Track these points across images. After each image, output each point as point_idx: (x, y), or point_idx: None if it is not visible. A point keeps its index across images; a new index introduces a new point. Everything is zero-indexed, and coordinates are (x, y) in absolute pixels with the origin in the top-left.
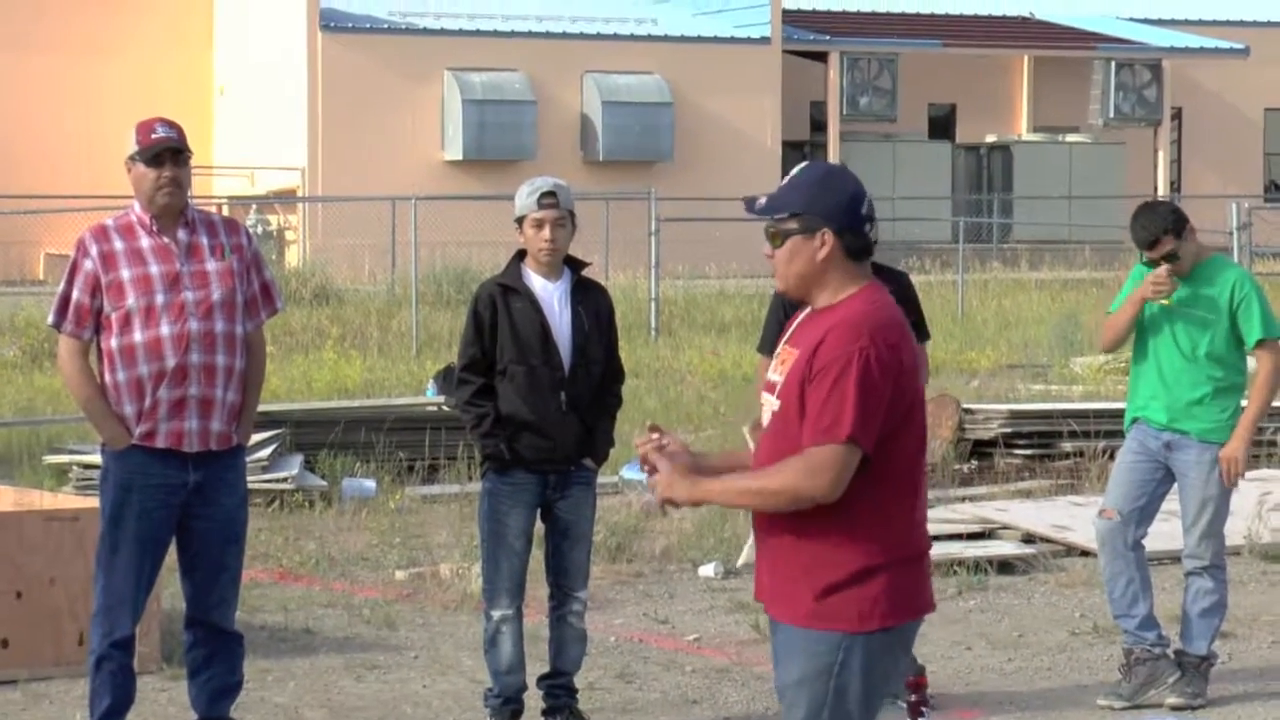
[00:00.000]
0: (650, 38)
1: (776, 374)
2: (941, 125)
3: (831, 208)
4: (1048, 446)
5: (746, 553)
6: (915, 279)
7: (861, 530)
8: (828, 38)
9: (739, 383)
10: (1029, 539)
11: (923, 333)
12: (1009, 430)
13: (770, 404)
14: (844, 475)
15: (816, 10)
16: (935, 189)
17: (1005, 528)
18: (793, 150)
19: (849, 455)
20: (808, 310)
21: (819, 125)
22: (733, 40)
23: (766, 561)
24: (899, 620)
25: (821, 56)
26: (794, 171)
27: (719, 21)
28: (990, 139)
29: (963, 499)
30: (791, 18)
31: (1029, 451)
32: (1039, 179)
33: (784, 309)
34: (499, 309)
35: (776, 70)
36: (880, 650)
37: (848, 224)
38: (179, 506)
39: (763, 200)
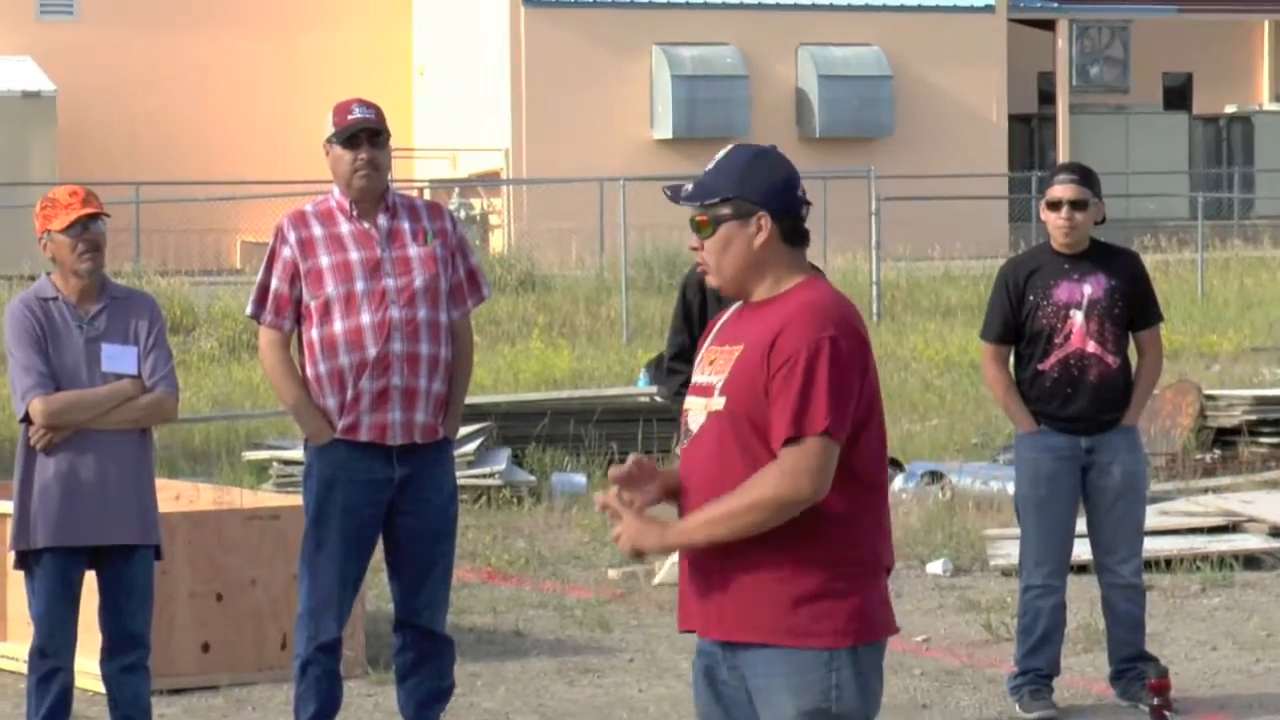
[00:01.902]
0: (868, 7)
1: (708, 375)
2: (1177, 95)
3: (766, 190)
4: None
5: (666, 570)
6: (1150, 258)
7: (835, 534)
8: (1056, 5)
9: (966, 369)
10: (1276, 532)
11: (1155, 315)
12: (1254, 417)
13: (705, 406)
14: (827, 471)
15: None
16: (1171, 163)
17: (1251, 520)
18: (1020, 124)
19: (828, 448)
20: (738, 305)
21: (1047, 97)
22: (956, 9)
23: (716, 577)
24: (878, 636)
25: (1049, 25)
26: (719, 155)
27: None
28: (1230, 109)
29: (1205, 490)
30: None
31: (1275, 440)
32: None
33: (1007, 291)
34: (709, 294)
35: (1002, 40)
36: (870, 668)
37: (784, 207)
38: (385, 503)
39: (689, 186)
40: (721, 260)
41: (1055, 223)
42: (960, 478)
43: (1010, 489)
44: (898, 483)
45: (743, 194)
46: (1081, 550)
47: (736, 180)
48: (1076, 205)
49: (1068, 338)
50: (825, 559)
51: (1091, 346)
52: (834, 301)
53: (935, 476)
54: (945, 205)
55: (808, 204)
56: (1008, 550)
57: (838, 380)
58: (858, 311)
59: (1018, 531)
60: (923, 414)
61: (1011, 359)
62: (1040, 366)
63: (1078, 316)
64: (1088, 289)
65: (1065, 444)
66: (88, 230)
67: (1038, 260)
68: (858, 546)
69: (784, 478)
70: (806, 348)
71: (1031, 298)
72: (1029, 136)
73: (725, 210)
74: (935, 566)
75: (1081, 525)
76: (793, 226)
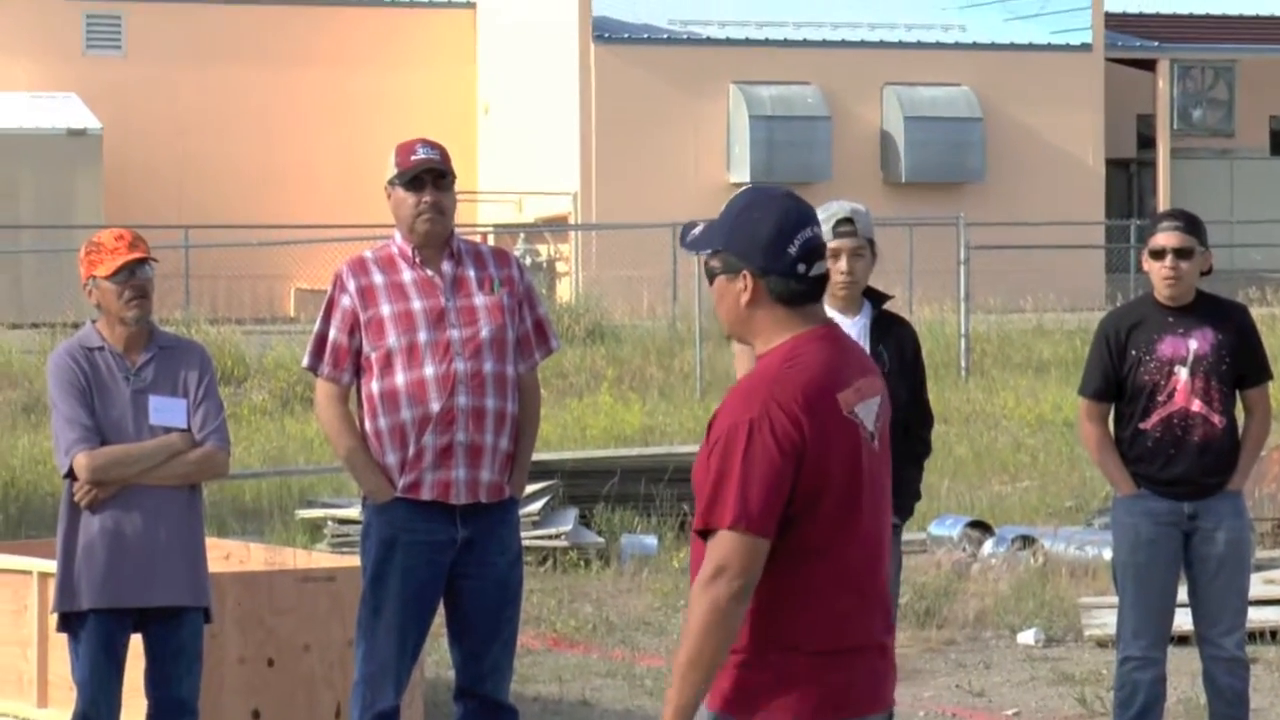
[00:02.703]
0: (958, 46)
1: None
2: None
3: (748, 246)
4: None
5: None
6: (1256, 312)
7: (765, 618)
8: (1156, 44)
9: (1060, 428)
10: None
11: (1264, 372)
12: None
13: None
14: (749, 568)
15: (1143, 14)
16: (1279, 210)
17: None
18: (1117, 169)
19: (742, 543)
20: None
21: (1146, 141)
22: (1050, 47)
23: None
24: (824, 716)
25: (1149, 65)
26: (731, 198)
27: (1034, 27)
28: None
29: None
30: (1115, 22)
31: None
32: None
33: (1107, 345)
34: None
35: (1099, 80)
36: None
37: (770, 266)
38: (447, 565)
39: (696, 230)
40: (719, 311)
41: (1160, 273)
42: (1053, 543)
43: (1106, 555)
44: (987, 547)
45: (729, 248)
46: (1182, 620)
47: (726, 231)
48: (1182, 254)
49: (1171, 395)
50: (754, 645)
51: (1196, 405)
52: (782, 374)
53: (1027, 541)
54: (1038, 254)
55: (809, 261)
56: (1103, 620)
57: (750, 468)
58: (822, 384)
59: (1114, 600)
60: (1013, 475)
61: (1111, 417)
62: (1142, 426)
63: (1182, 373)
64: (1193, 344)
65: (1167, 509)
66: (134, 276)
67: (1141, 313)
68: (798, 632)
69: (704, 584)
70: (725, 432)
71: (1134, 352)
72: (1127, 182)
73: (715, 263)
74: (1026, 636)
75: (1182, 594)
76: (783, 286)
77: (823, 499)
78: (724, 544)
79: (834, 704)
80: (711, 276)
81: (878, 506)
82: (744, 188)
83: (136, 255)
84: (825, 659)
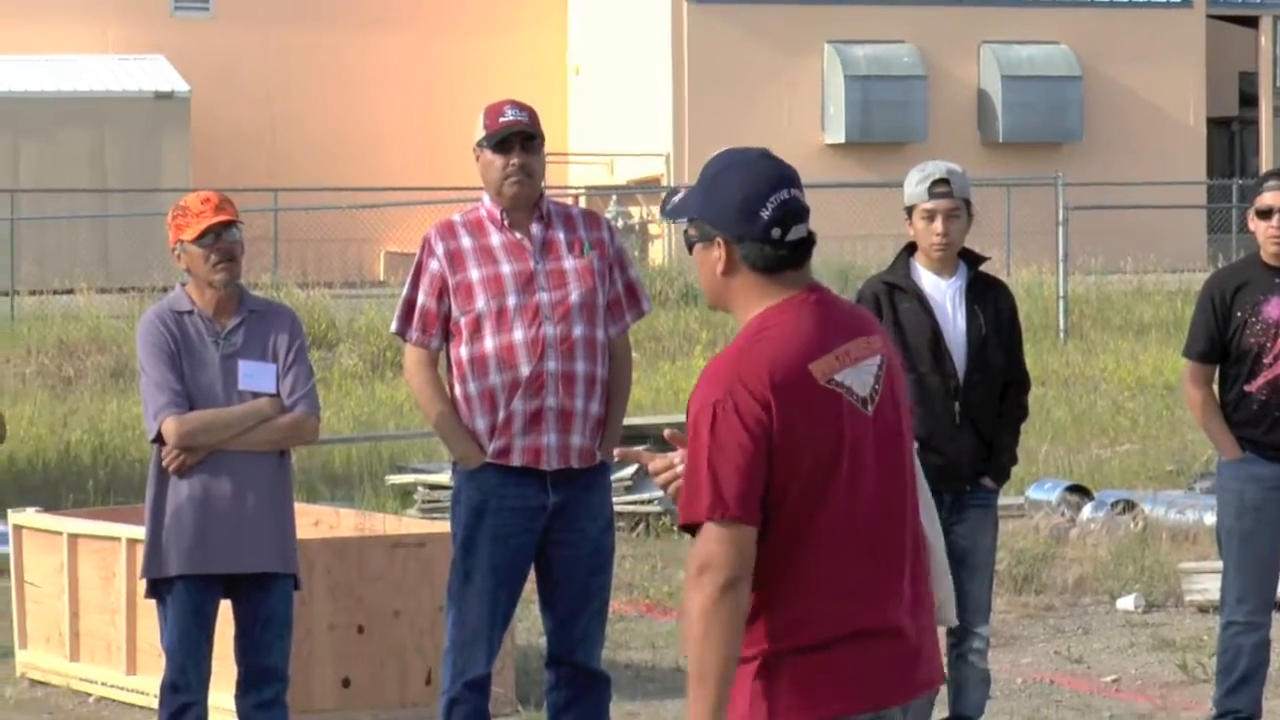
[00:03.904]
0: (1056, 3)
1: None
2: None
3: (719, 212)
4: None
5: None
6: None
7: (777, 606)
8: (1258, 0)
9: (1160, 391)
10: None
11: None
12: None
13: None
14: (733, 558)
15: None
16: None
17: None
18: (1218, 127)
19: (722, 534)
20: None
21: (1249, 99)
22: (1150, 4)
23: None
24: (830, 712)
25: (1251, 21)
26: (707, 161)
27: None
28: None
29: None
30: None
31: None
32: None
33: (1212, 306)
34: (885, 310)
35: (1200, 37)
36: None
37: (743, 232)
38: (538, 532)
39: (675, 198)
40: (701, 282)
41: (1266, 233)
42: (1153, 507)
43: (1208, 519)
44: (1086, 512)
45: (703, 215)
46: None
47: (700, 197)
48: None
49: (1278, 358)
50: (759, 633)
51: None
52: (753, 347)
53: (1127, 506)
54: (1138, 215)
55: (785, 224)
56: (1205, 585)
57: (721, 454)
58: (797, 353)
59: (1216, 565)
60: (1113, 439)
61: (1215, 380)
62: (1247, 388)
63: None
64: None
65: (1272, 473)
66: (220, 239)
67: (1246, 274)
68: (807, 618)
69: (692, 584)
70: (694, 418)
71: (1239, 314)
72: (1229, 141)
73: (692, 231)
74: (1126, 602)
75: None
76: (757, 252)
77: (800, 477)
78: (705, 537)
79: (847, 697)
80: (690, 245)
81: (882, 478)
82: (721, 151)
83: (222, 218)
84: (830, 650)
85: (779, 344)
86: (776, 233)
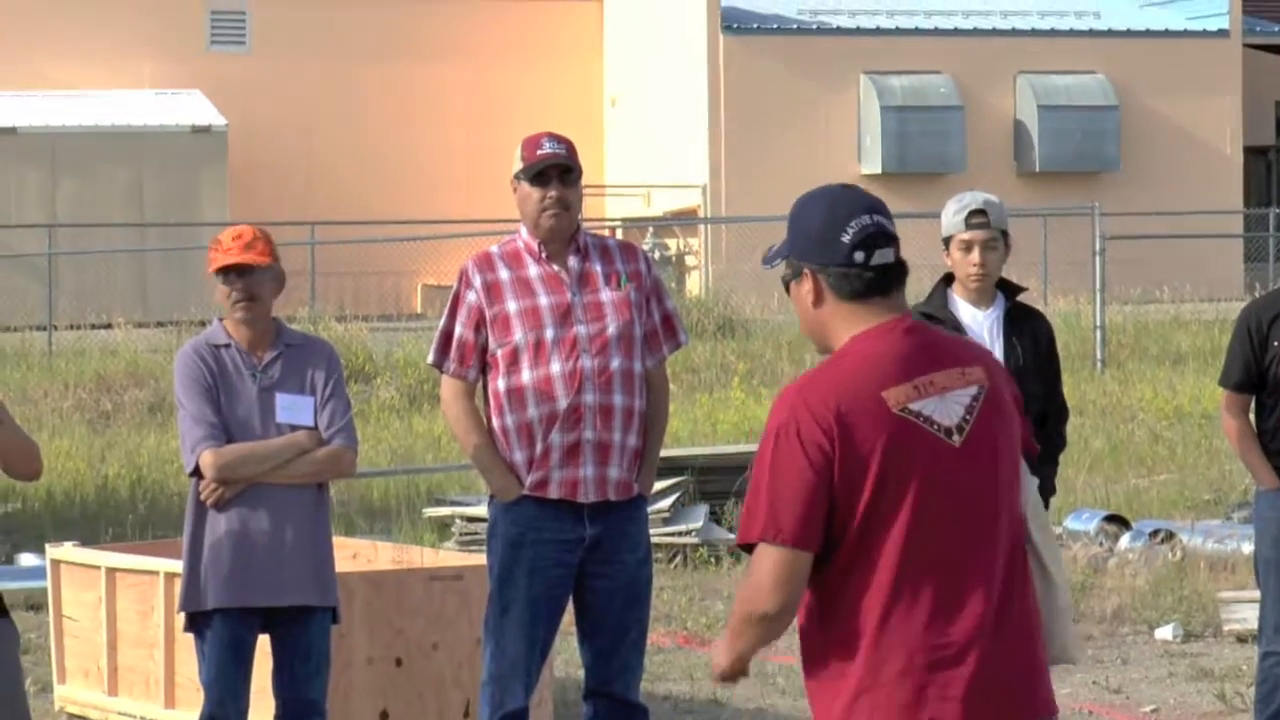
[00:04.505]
0: (1092, 32)
1: None
2: None
3: (804, 242)
4: None
5: None
6: None
7: (843, 634)
8: None
9: (1198, 420)
10: None
11: None
12: None
13: None
14: (784, 582)
15: None
16: None
17: None
18: (1256, 156)
19: (776, 557)
20: None
21: None
22: (1186, 34)
23: None
24: None
25: None
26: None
27: (1170, 13)
28: None
29: None
30: (1253, 7)
31: None
32: None
33: (1249, 335)
34: None
35: (1237, 66)
36: None
37: (826, 259)
38: (576, 564)
39: (771, 249)
40: (799, 320)
41: None
42: (1191, 537)
43: (1246, 549)
44: (1124, 541)
45: (791, 249)
46: None
47: (787, 235)
48: None
49: None
50: (838, 668)
51: None
52: (824, 373)
53: (1165, 535)
54: (1175, 244)
55: (870, 248)
56: (1244, 615)
57: (778, 477)
58: (851, 379)
59: (1254, 594)
60: (1150, 468)
61: (1252, 409)
62: None
63: None
64: None
65: None
66: (241, 278)
67: None
68: (880, 649)
69: (744, 589)
70: (761, 441)
71: (1276, 343)
72: (1266, 170)
73: (786, 271)
74: (1165, 632)
75: None
76: (842, 279)
77: (865, 504)
78: (758, 558)
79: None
80: (786, 287)
81: (966, 507)
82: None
83: (240, 260)
84: (893, 677)
85: (852, 371)
86: (859, 256)
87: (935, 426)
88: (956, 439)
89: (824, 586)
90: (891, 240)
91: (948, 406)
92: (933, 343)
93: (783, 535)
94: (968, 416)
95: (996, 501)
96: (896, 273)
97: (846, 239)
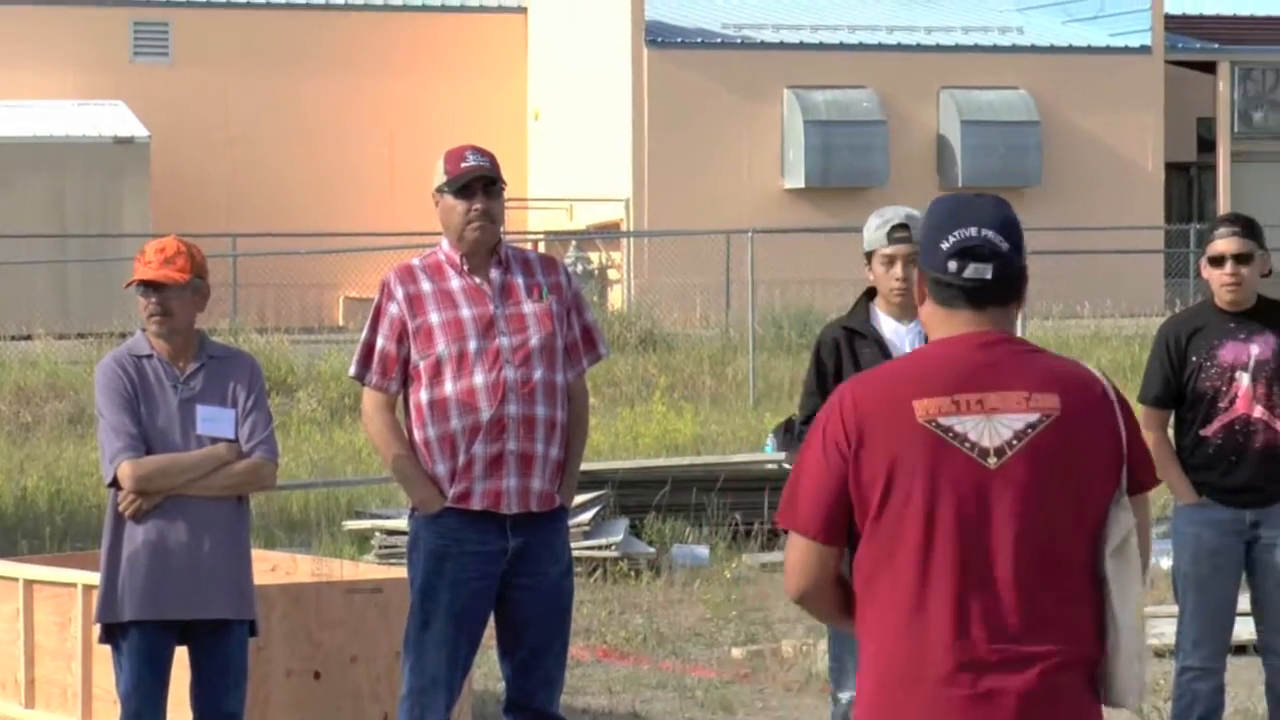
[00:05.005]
0: (1015, 48)
1: None
2: None
3: (921, 244)
4: None
5: None
6: None
7: (864, 639)
8: (1216, 46)
9: None
10: None
11: None
12: None
13: None
14: (801, 569)
15: (1203, 15)
16: None
17: None
18: (1177, 173)
19: (797, 545)
20: None
21: (1207, 145)
22: (1109, 50)
23: None
24: None
25: (1209, 67)
26: None
27: (1093, 29)
28: None
29: None
30: (1175, 24)
31: None
32: None
33: (1168, 351)
34: (844, 355)
35: (1159, 83)
36: None
37: (930, 263)
38: (498, 576)
39: None
40: None
41: (1220, 279)
42: None
43: (1164, 564)
44: None
45: (919, 249)
46: (1240, 630)
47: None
48: (1241, 260)
49: (1233, 402)
50: (862, 670)
51: (1258, 412)
52: (873, 372)
53: None
54: (1096, 260)
55: (961, 257)
56: (1161, 629)
57: (803, 469)
58: (887, 384)
59: (1172, 609)
60: None
61: (1171, 424)
62: (1203, 433)
63: (1244, 379)
64: (1255, 349)
65: (1229, 517)
66: (155, 292)
67: (1201, 319)
68: (882, 655)
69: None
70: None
71: (1194, 359)
72: (1187, 186)
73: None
74: None
75: (1242, 603)
76: (936, 285)
77: (877, 510)
78: (788, 543)
79: None
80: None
81: (998, 532)
82: None
83: (154, 276)
84: (900, 687)
85: (901, 374)
86: (953, 266)
87: (967, 444)
88: (993, 461)
89: (859, 582)
90: (994, 257)
91: (992, 427)
92: (1000, 363)
93: (799, 525)
94: (1014, 441)
95: (1035, 530)
96: (993, 290)
97: (945, 247)
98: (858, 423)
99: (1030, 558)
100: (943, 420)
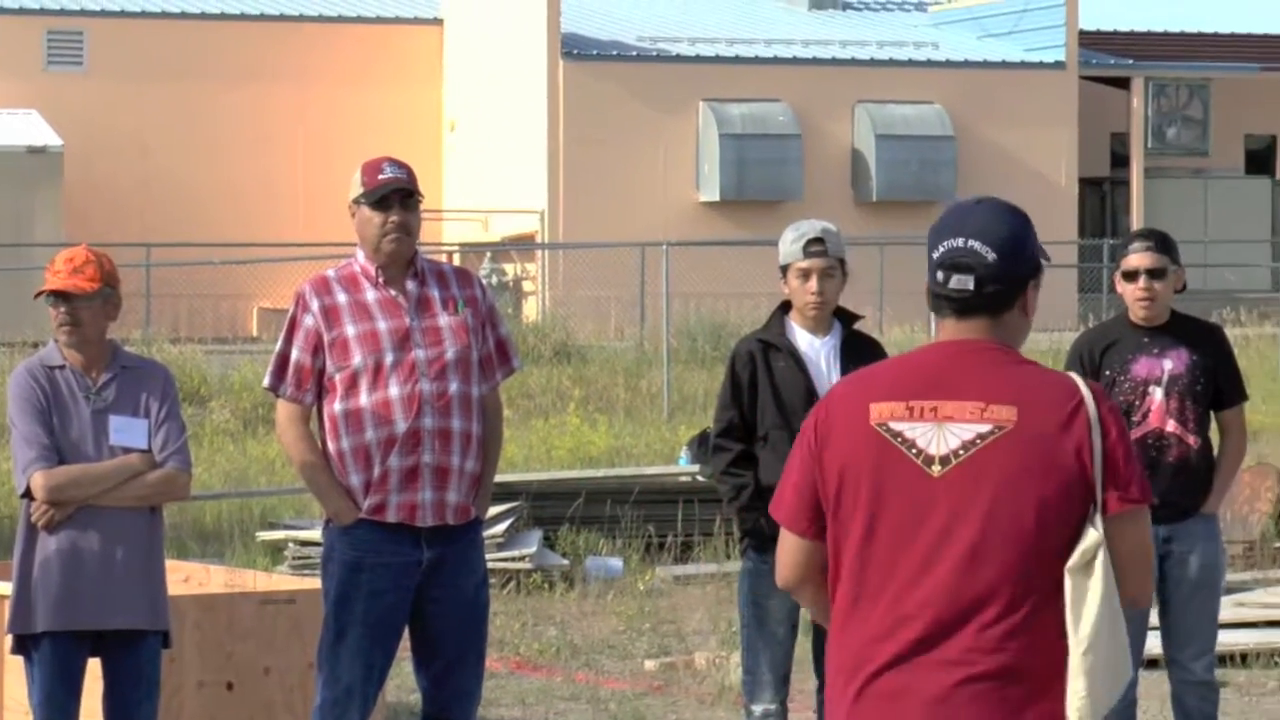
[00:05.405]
0: (930, 63)
1: None
2: (1260, 159)
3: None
4: None
5: None
6: (1230, 332)
7: (831, 634)
8: (1130, 62)
9: None
10: None
11: (1239, 393)
12: None
13: None
14: (787, 562)
15: (1117, 31)
16: (1253, 231)
17: None
18: (1091, 188)
19: (784, 537)
20: None
21: (1120, 160)
22: (1023, 65)
23: None
24: None
25: (1123, 83)
26: None
27: (1008, 45)
28: None
29: None
30: (1090, 40)
31: None
32: None
33: (1081, 365)
34: (759, 368)
35: (1073, 98)
36: None
37: (929, 270)
38: (412, 588)
39: None
40: None
41: (1133, 294)
42: None
43: None
44: None
45: None
46: (1151, 643)
47: None
48: (1155, 275)
49: (1146, 416)
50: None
51: (1171, 426)
52: (853, 374)
53: None
54: None
55: (945, 268)
56: None
57: (788, 465)
58: (855, 386)
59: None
60: None
61: None
62: None
63: (1157, 394)
64: (1168, 364)
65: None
66: (62, 303)
67: (1115, 333)
68: (844, 650)
69: None
70: None
71: (1108, 373)
72: (1101, 201)
73: None
74: None
75: (1152, 617)
76: (929, 293)
77: (830, 509)
78: (779, 536)
79: None
80: None
81: (938, 542)
82: None
83: (62, 286)
84: (853, 694)
85: (870, 377)
86: (940, 277)
87: (914, 450)
88: (936, 469)
89: (828, 576)
90: (977, 268)
91: (942, 435)
92: (966, 371)
93: (782, 518)
94: (960, 451)
95: (970, 540)
96: (978, 301)
97: (935, 257)
98: (827, 422)
99: (971, 567)
100: (894, 425)
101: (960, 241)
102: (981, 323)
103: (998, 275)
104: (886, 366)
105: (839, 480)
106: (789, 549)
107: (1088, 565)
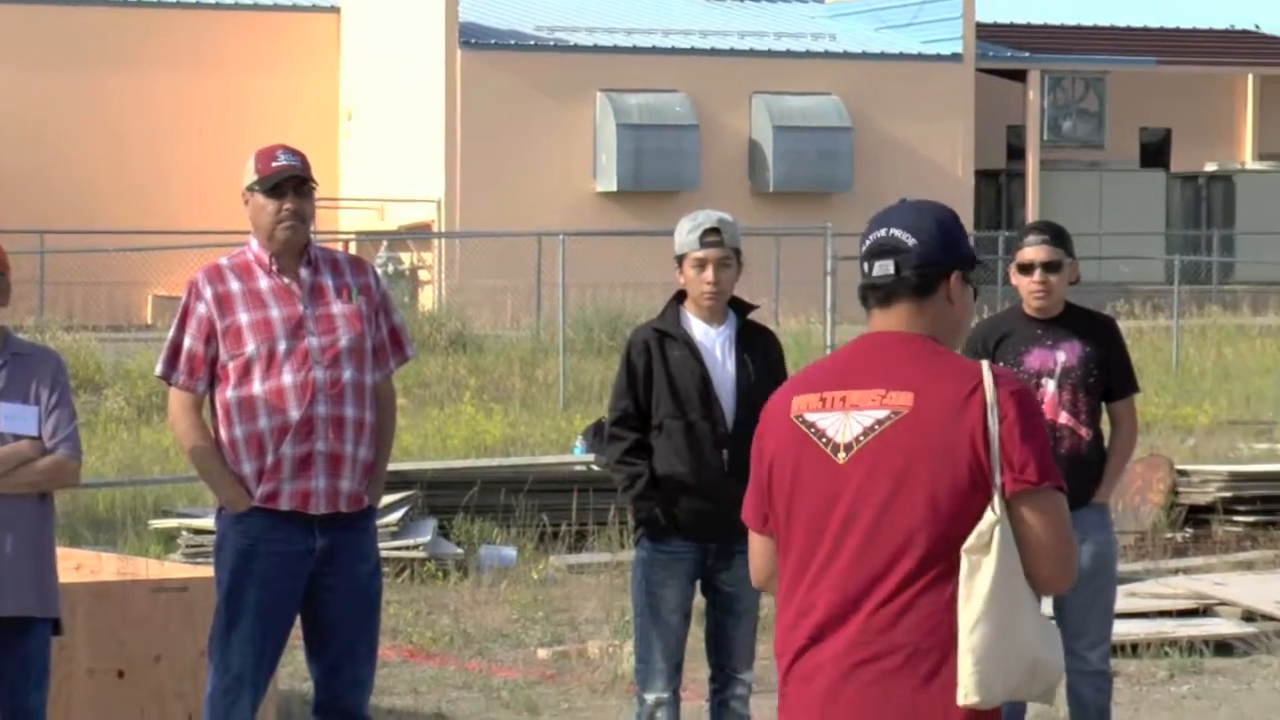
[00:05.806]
0: (827, 54)
1: None
2: (1154, 152)
3: None
4: (1273, 513)
5: None
6: (1123, 325)
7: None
8: (1027, 55)
9: None
10: (1250, 616)
11: (1131, 385)
12: (1229, 494)
13: None
14: (753, 560)
15: (1014, 24)
16: (1147, 224)
17: (1223, 604)
18: (987, 180)
19: (750, 537)
20: None
21: (1016, 152)
22: (920, 57)
23: None
24: None
25: (1020, 75)
26: None
27: (905, 37)
28: (1210, 167)
29: (1176, 571)
30: (986, 32)
31: (1251, 519)
32: (1264, 212)
33: (975, 356)
34: (654, 357)
35: (969, 90)
36: None
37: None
38: (305, 576)
39: None
40: None
41: (1028, 287)
42: None
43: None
44: None
45: None
46: None
47: None
48: (1050, 268)
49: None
50: None
51: (1064, 418)
52: (799, 372)
53: None
54: None
55: (869, 259)
56: None
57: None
58: (790, 383)
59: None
60: None
61: None
62: None
63: (1050, 385)
64: (1061, 356)
65: None
66: None
67: (1009, 325)
68: (781, 639)
69: None
70: None
71: (1002, 363)
72: (996, 193)
73: None
74: None
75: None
76: (859, 289)
77: (771, 502)
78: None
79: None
80: None
81: (824, 521)
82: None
83: None
84: (787, 674)
85: (801, 374)
86: (865, 266)
87: (823, 440)
88: (842, 456)
89: None
90: (896, 253)
91: (847, 423)
92: (874, 360)
93: (745, 516)
94: (862, 437)
95: (872, 524)
96: (899, 286)
97: (863, 249)
98: (765, 421)
99: (867, 550)
100: (808, 416)
101: (883, 232)
102: (904, 312)
103: (917, 261)
104: (822, 361)
105: (769, 474)
106: (754, 549)
107: (985, 546)
